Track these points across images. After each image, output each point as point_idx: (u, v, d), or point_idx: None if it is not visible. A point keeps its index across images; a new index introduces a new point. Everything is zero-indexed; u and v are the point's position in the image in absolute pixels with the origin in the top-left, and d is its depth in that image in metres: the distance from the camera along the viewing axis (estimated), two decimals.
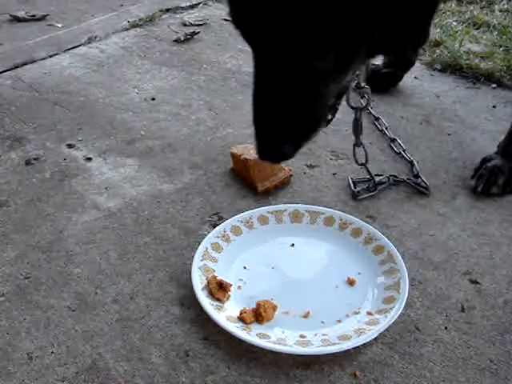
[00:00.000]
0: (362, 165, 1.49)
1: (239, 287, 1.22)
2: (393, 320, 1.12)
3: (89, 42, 2.33)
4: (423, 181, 1.50)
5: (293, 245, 1.33)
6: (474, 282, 1.25)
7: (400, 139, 1.66)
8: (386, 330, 1.12)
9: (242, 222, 1.35)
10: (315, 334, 1.12)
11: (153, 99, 1.94)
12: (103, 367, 1.07)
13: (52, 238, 1.37)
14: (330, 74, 0.91)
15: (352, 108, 1.38)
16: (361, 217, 1.39)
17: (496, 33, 2.37)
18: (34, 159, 1.64)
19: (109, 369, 1.07)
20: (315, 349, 1.08)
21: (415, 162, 1.56)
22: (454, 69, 2.09)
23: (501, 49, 2.23)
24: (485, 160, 1.54)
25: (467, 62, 2.11)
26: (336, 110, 1.07)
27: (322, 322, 1.15)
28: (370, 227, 1.34)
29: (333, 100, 1.00)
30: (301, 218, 1.38)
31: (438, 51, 2.20)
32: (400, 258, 1.25)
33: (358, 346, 1.09)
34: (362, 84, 1.34)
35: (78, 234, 1.38)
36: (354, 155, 1.47)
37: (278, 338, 1.11)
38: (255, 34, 0.89)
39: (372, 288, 1.22)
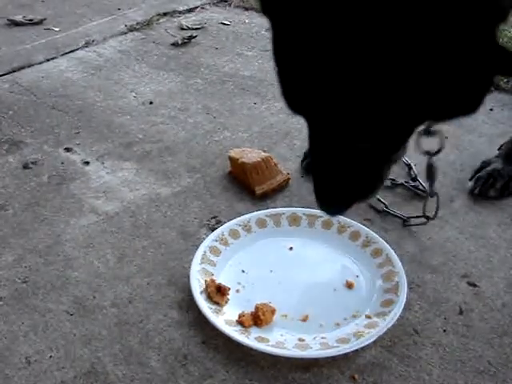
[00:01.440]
0: (431, 219, 1.38)
1: (237, 291, 1.21)
2: (391, 323, 1.12)
3: (86, 46, 2.33)
4: (421, 184, 1.50)
5: (291, 248, 1.33)
6: (472, 284, 1.25)
7: None
8: (385, 332, 1.12)
9: (240, 225, 1.35)
10: (314, 338, 1.12)
11: (150, 103, 1.94)
12: (102, 371, 1.07)
13: (50, 242, 1.37)
14: (379, 156, 0.95)
15: (424, 154, 1.30)
16: (359, 219, 1.39)
17: None
18: (32, 163, 1.64)
19: (107, 373, 1.07)
20: (314, 352, 1.08)
21: (413, 165, 1.56)
22: None
23: None
24: (485, 163, 1.53)
25: None
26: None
27: (321, 326, 1.15)
28: (368, 230, 1.34)
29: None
30: (299, 221, 1.38)
31: None
32: (398, 260, 1.25)
33: (356, 349, 1.09)
34: (433, 128, 1.25)
35: (75, 237, 1.38)
36: (424, 206, 1.36)
37: (276, 341, 1.11)
38: (308, 116, 0.91)
39: (371, 291, 1.22)
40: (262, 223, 1.36)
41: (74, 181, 1.57)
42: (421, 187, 1.50)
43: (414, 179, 1.52)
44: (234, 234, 1.33)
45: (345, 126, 0.85)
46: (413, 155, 1.61)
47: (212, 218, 1.42)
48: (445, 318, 1.17)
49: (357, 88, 0.78)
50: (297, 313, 1.17)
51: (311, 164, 1.01)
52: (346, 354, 1.08)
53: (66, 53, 2.27)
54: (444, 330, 1.15)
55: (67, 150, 1.71)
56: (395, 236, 1.37)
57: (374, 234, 1.32)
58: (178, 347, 1.11)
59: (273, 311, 1.15)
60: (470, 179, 1.52)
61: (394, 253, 1.27)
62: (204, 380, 1.06)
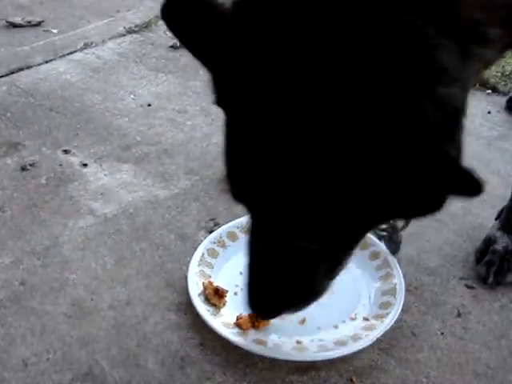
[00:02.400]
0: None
1: (235, 293, 1.21)
2: (390, 325, 1.12)
3: (85, 48, 2.33)
4: None
5: None
6: (470, 287, 1.25)
7: None
8: (383, 335, 1.13)
9: (237, 227, 1.35)
10: (311, 340, 1.12)
11: (149, 105, 1.93)
12: (99, 373, 1.07)
13: (48, 244, 1.37)
14: (323, 259, 0.90)
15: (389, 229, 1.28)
16: None
17: None
18: (30, 165, 1.63)
19: (104, 375, 1.07)
20: (312, 354, 1.08)
21: None
22: None
23: None
24: (489, 241, 1.32)
25: None
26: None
27: (319, 328, 1.15)
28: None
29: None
30: None
31: None
32: (396, 263, 1.25)
33: (354, 352, 1.09)
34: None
35: (73, 239, 1.38)
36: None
37: (274, 343, 1.11)
38: (251, 207, 0.87)
39: (368, 293, 1.22)
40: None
41: (71, 183, 1.57)
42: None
43: None
44: (232, 236, 1.33)
45: (286, 222, 0.81)
46: None
47: (210, 220, 1.42)
48: (442, 321, 1.18)
49: (299, 186, 0.75)
50: (294, 315, 1.17)
51: (248, 260, 0.95)
52: (343, 357, 1.08)
53: (65, 55, 2.27)
54: (442, 333, 1.15)
55: (65, 151, 1.70)
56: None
57: (372, 237, 1.31)
58: (175, 349, 1.11)
59: None
60: (477, 262, 1.30)
61: (391, 255, 1.27)
62: (202, 382, 1.06)
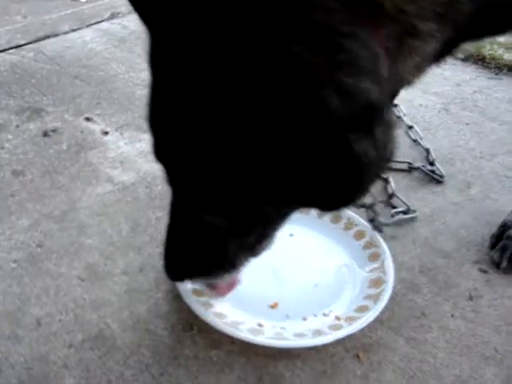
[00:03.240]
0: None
1: None
2: (355, 330, 1.07)
3: (111, 18, 2.34)
4: (438, 168, 1.49)
5: (292, 234, 1.29)
6: (484, 271, 1.24)
7: (417, 126, 1.65)
8: (392, 314, 1.13)
9: None
10: (273, 326, 1.10)
11: None
12: (109, 336, 1.09)
13: (65, 209, 1.38)
14: (228, 232, 0.91)
15: (359, 206, 1.29)
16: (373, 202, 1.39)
17: None
18: (52, 131, 1.65)
19: (115, 338, 1.08)
20: (263, 339, 1.06)
21: (431, 150, 1.55)
22: (476, 58, 2.07)
23: None
24: (505, 227, 1.30)
25: (490, 52, 2.09)
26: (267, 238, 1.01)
27: (287, 316, 1.12)
28: (373, 232, 1.27)
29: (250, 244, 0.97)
30: (308, 210, 1.31)
31: None
32: (391, 269, 1.18)
33: (363, 329, 1.09)
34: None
35: (91, 205, 1.39)
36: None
37: (232, 320, 1.09)
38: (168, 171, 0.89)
39: (350, 294, 1.17)
40: None
41: (92, 150, 1.58)
42: (438, 172, 1.48)
43: (432, 164, 1.51)
44: None
45: (188, 184, 0.84)
46: (432, 140, 1.61)
47: None
48: (454, 303, 1.17)
49: (198, 147, 0.77)
50: (268, 298, 1.15)
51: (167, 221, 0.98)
52: (351, 333, 1.08)
53: (91, 24, 2.28)
54: (452, 315, 1.15)
55: (87, 119, 1.72)
56: (409, 219, 1.36)
57: (378, 237, 1.26)
58: (185, 317, 1.12)
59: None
60: (492, 247, 1.29)
61: (390, 259, 1.21)
62: (210, 350, 1.06)
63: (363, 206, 1.29)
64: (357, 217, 1.31)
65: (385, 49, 0.74)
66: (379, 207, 1.36)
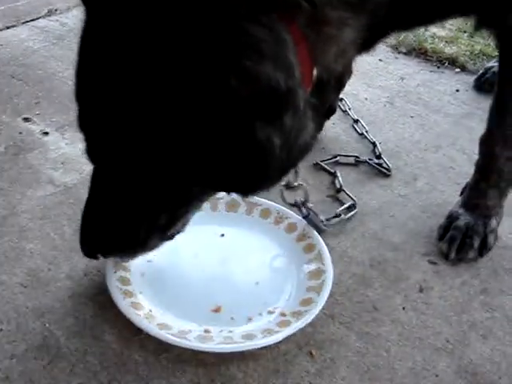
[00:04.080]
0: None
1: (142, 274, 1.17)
2: (304, 324, 1.06)
3: (49, 15, 2.26)
4: (385, 162, 1.50)
5: (223, 235, 1.26)
6: (433, 262, 1.25)
7: (363, 120, 1.65)
8: (344, 309, 1.12)
9: None
10: (220, 331, 1.07)
11: None
12: (54, 344, 1.04)
13: (5, 213, 1.32)
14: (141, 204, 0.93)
15: (291, 205, 1.27)
16: (321, 196, 1.38)
17: (461, 19, 2.36)
18: None
19: (60, 346, 1.04)
20: (214, 346, 1.03)
21: (377, 143, 1.55)
22: (418, 52, 2.09)
23: (465, 34, 2.24)
24: (451, 217, 1.32)
25: (432, 45, 2.11)
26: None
27: (232, 319, 1.09)
28: (305, 223, 1.26)
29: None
30: (237, 208, 1.30)
31: (403, 34, 2.19)
32: (329, 258, 1.18)
33: (315, 326, 1.08)
34: (295, 183, 1.22)
35: (32, 209, 1.34)
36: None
37: (179, 330, 1.06)
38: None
39: (292, 288, 1.16)
40: None
41: (31, 151, 1.53)
42: (384, 165, 1.49)
43: (379, 157, 1.52)
44: None
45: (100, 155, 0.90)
46: (378, 134, 1.61)
47: None
48: (405, 296, 1.17)
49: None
50: (210, 303, 1.12)
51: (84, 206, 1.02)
52: (303, 329, 1.07)
53: (28, 21, 2.20)
54: (403, 308, 1.15)
55: (26, 119, 1.65)
56: (358, 213, 1.36)
57: (311, 229, 1.25)
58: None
59: None
60: (440, 239, 1.30)
61: (326, 250, 1.20)
62: (160, 354, 1.04)
63: (295, 204, 1.26)
64: (286, 210, 1.29)
65: (300, 36, 0.76)
66: (327, 203, 1.36)
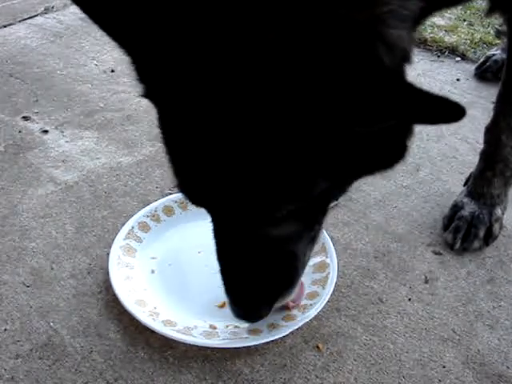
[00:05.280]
0: None
1: (153, 271, 1.16)
2: (310, 317, 1.05)
3: (46, 13, 2.25)
4: None
5: None
6: (438, 253, 1.24)
7: None
8: (350, 302, 1.12)
9: (175, 201, 1.28)
10: (226, 326, 1.06)
11: (112, 71, 1.88)
12: (59, 343, 1.04)
13: (6, 213, 1.32)
14: (292, 239, 0.86)
15: None
16: None
17: (460, 7, 2.35)
18: None
19: (65, 345, 1.04)
20: (219, 342, 1.02)
21: None
22: (418, 42, 2.07)
23: (465, 23, 2.23)
24: (456, 207, 1.30)
25: (432, 35, 2.10)
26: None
27: None
28: None
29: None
30: None
31: None
32: (333, 251, 1.16)
33: (321, 319, 1.08)
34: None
35: (33, 208, 1.33)
36: None
37: (184, 326, 1.05)
38: (209, 208, 0.83)
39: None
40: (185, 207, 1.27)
41: (31, 150, 1.52)
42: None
43: None
44: (169, 210, 1.26)
45: (242, 211, 0.77)
46: None
47: (174, 187, 1.38)
48: (410, 287, 1.16)
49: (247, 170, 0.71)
50: (215, 298, 1.09)
51: (220, 268, 0.91)
52: (309, 323, 1.06)
53: (25, 19, 2.19)
54: (409, 299, 1.14)
55: (25, 118, 1.65)
56: (361, 205, 1.35)
57: None
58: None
59: None
60: (444, 229, 1.29)
61: (330, 242, 1.18)
62: (165, 351, 1.03)
63: None
64: None
65: None
66: None
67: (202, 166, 0.73)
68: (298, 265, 0.92)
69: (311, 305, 1.07)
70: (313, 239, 0.92)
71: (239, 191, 0.73)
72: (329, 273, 1.13)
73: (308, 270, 1.13)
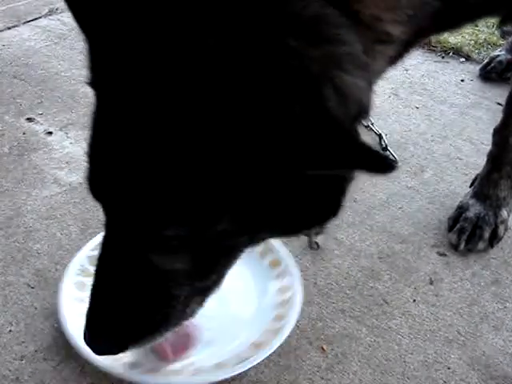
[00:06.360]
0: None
1: None
2: (280, 342, 1.00)
3: (49, 14, 2.25)
4: (391, 153, 1.49)
5: None
6: (442, 254, 1.24)
7: None
8: (354, 303, 1.11)
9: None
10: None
11: None
12: (63, 345, 1.04)
13: (10, 214, 1.32)
14: (177, 277, 0.76)
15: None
16: None
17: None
18: None
19: (69, 346, 1.03)
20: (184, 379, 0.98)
21: (383, 135, 1.54)
22: (422, 43, 2.07)
23: None
24: (461, 209, 1.30)
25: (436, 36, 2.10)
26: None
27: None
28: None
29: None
30: None
31: None
32: (298, 274, 1.11)
33: (326, 320, 1.08)
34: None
35: (37, 209, 1.33)
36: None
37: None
38: (104, 205, 0.76)
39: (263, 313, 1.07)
40: None
41: (36, 151, 1.52)
42: (391, 157, 1.48)
43: (385, 149, 1.50)
44: None
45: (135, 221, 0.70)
46: (383, 125, 1.60)
47: None
48: (415, 288, 1.16)
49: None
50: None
51: (92, 282, 0.81)
52: (314, 324, 1.06)
53: (29, 21, 2.19)
54: (414, 300, 1.14)
55: (29, 120, 1.65)
56: (365, 206, 1.35)
57: (274, 242, 1.15)
58: None
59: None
60: (449, 230, 1.28)
61: (293, 262, 1.13)
62: None
63: None
64: None
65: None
66: None
67: (110, 161, 0.69)
68: (175, 310, 0.81)
69: (280, 328, 1.02)
70: (203, 291, 0.82)
71: (134, 194, 0.68)
72: (292, 294, 1.07)
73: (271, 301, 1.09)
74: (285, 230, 0.76)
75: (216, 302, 0.87)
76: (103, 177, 0.71)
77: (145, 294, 0.78)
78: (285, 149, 0.59)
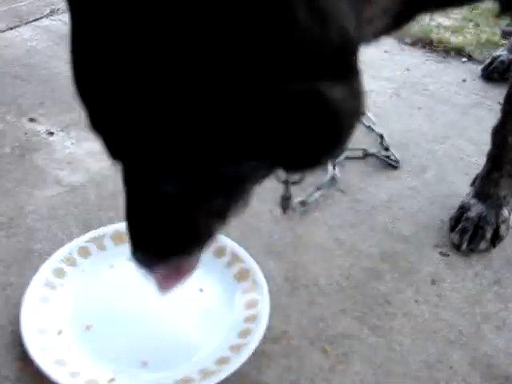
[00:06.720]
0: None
1: (60, 332, 1.06)
2: (247, 356, 0.99)
3: (51, 15, 2.26)
4: (393, 154, 1.48)
5: None
6: (445, 254, 1.23)
7: (370, 112, 1.64)
8: (356, 303, 1.11)
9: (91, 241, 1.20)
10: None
11: None
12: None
13: (12, 214, 1.32)
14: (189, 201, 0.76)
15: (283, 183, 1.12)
16: (329, 191, 1.37)
17: (466, 8, 2.35)
18: None
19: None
20: None
21: (385, 136, 1.54)
22: (424, 42, 2.07)
23: (471, 23, 2.22)
24: (463, 209, 1.30)
25: (438, 35, 2.10)
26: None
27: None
28: (234, 245, 1.16)
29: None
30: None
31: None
32: (264, 284, 1.09)
33: (327, 321, 1.08)
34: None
35: (39, 209, 1.33)
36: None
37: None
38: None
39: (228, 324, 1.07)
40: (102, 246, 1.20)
41: (37, 151, 1.52)
42: (393, 157, 1.48)
43: (387, 149, 1.50)
44: (85, 252, 1.18)
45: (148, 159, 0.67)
46: (385, 126, 1.60)
47: None
48: (416, 288, 1.16)
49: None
50: (138, 358, 1.02)
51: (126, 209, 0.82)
52: (315, 325, 1.06)
53: (30, 21, 2.20)
54: (416, 300, 1.14)
55: (31, 120, 1.65)
56: (367, 206, 1.35)
57: (241, 250, 1.16)
58: None
59: None
60: (451, 230, 1.28)
61: (260, 274, 1.11)
62: None
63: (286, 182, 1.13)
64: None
65: None
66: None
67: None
68: (195, 227, 0.81)
69: (245, 344, 1.01)
70: (222, 213, 0.81)
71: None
72: (261, 309, 1.06)
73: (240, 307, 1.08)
74: (287, 157, 0.70)
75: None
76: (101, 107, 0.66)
77: (168, 216, 0.78)
78: (258, 61, 0.55)
